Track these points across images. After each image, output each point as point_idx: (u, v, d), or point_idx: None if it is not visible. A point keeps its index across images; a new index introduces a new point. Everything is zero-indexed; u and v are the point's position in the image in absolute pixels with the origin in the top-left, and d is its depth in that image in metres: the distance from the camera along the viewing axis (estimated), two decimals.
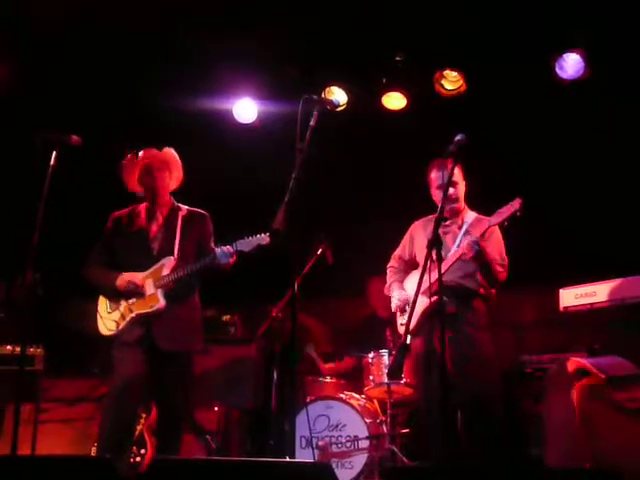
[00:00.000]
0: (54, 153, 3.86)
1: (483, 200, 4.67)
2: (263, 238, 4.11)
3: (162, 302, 4.14)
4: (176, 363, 4.17)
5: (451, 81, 5.79)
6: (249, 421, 5.67)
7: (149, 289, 4.17)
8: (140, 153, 4.39)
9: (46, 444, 4.92)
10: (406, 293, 4.56)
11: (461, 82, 5.74)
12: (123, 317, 4.19)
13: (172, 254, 4.23)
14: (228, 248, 4.14)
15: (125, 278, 4.19)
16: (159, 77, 5.75)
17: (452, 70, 5.72)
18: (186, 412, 4.43)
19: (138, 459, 4.61)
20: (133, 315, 4.17)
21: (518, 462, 4.65)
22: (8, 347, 4.73)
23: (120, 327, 4.18)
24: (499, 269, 4.34)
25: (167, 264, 4.21)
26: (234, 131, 6.16)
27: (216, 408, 5.38)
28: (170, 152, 4.44)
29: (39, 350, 4.81)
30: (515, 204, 4.04)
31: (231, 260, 4.17)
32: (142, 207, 4.43)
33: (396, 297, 4.58)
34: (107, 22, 5.30)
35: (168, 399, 4.19)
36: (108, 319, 4.24)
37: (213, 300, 6.12)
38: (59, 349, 5.08)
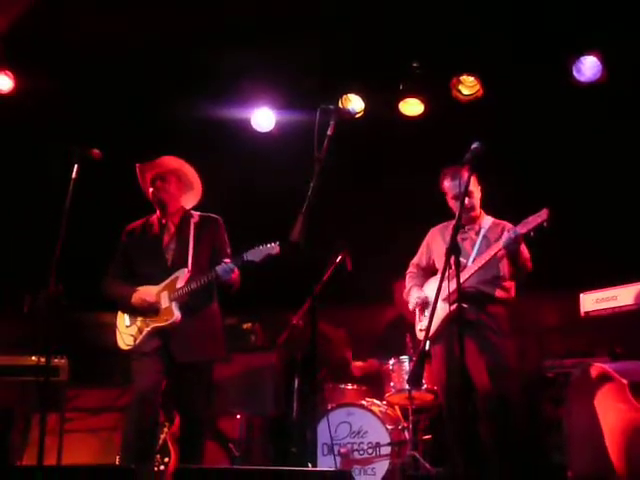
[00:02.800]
0: (75, 167, 3.92)
1: (501, 205, 4.67)
2: (273, 247, 4.07)
3: (177, 315, 4.14)
4: (195, 373, 4.17)
5: (468, 86, 5.79)
6: (271, 428, 5.69)
7: (164, 302, 4.17)
8: (145, 165, 4.36)
9: (71, 453, 4.98)
10: (425, 293, 4.57)
11: (478, 87, 5.74)
12: (140, 331, 4.20)
13: (186, 265, 4.21)
14: (228, 264, 4.09)
15: (139, 296, 4.19)
16: (179, 88, 5.83)
17: (469, 75, 5.72)
18: (208, 420, 4.43)
19: (162, 467, 4.67)
20: (149, 329, 4.18)
21: (540, 470, 4.62)
22: (33, 358, 4.79)
23: (137, 341, 4.20)
24: (527, 256, 4.31)
25: (181, 276, 4.19)
26: (252, 140, 6.21)
27: (238, 416, 5.41)
28: (172, 160, 4.37)
29: (63, 361, 4.87)
30: (542, 215, 3.97)
31: (233, 275, 4.13)
32: (154, 218, 4.42)
33: (414, 297, 4.58)
34: (127, 34, 5.38)
35: (190, 408, 4.20)
36: (126, 333, 4.25)
37: (234, 309, 6.18)
38: (83, 359, 5.13)
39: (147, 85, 5.81)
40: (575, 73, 5.36)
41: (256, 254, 4.10)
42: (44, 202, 4.75)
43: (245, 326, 6.03)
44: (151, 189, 4.34)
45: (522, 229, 4.07)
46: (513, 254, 4.19)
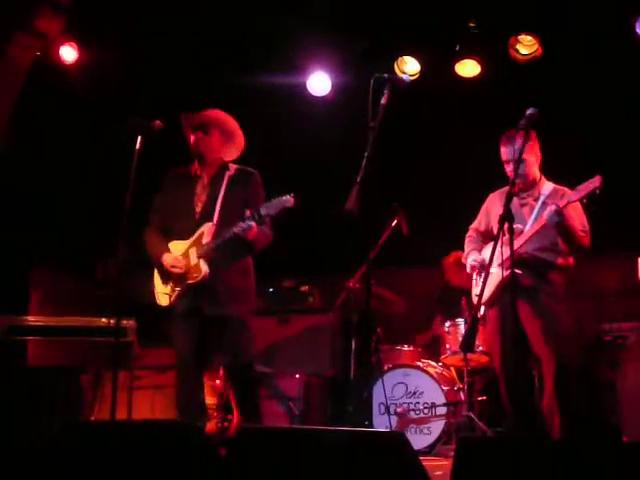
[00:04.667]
0: (139, 138, 4.05)
1: (560, 169, 4.61)
2: (287, 199, 3.99)
3: (205, 270, 4.13)
4: (226, 328, 4.19)
5: (526, 45, 5.67)
6: (329, 388, 5.86)
7: (192, 259, 4.17)
8: (188, 115, 4.33)
9: (140, 409, 5.25)
10: (482, 257, 4.57)
11: (537, 46, 5.61)
12: (173, 290, 4.24)
13: (212, 219, 4.19)
14: (247, 222, 4.01)
15: (168, 261, 4.18)
16: (235, 55, 5.91)
17: (527, 34, 5.60)
18: (250, 369, 4.37)
19: (225, 424, 4.87)
20: (179, 289, 4.21)
21: (597, 432, 4.65)
22: (104, 320, 5.01)
23: (172, 300, 4.23)
24: (581, 234, 4.26)
25: (207, 231, 4.17)
26: (309, 104, 6.25)
27: (297, 375, 5.59)
28: (217, 112, 4.33)
29: (132, 322, 5.08)
30: (595, 182, 3.89)
31: (251, 232, 4.04)
32: (193, 167, 4.38)
33: (472, 259, 4.58)
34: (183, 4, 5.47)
35: (231, 363, 4.28)
36: (161, 293, 4.29)
37: (291, 271, 6.33)
38: (150, 321, 5.35)
39: (204, 53, 5.90)
40: (638, 31, 5.20)
41: (270, 207, 4.02)
42: (110, 172, 4.92)
43: (303, 288, 6.17)
44: (192, 137, 4.30)
45: (574, 196, 4.01)
46: (559, 228, 4.12)
